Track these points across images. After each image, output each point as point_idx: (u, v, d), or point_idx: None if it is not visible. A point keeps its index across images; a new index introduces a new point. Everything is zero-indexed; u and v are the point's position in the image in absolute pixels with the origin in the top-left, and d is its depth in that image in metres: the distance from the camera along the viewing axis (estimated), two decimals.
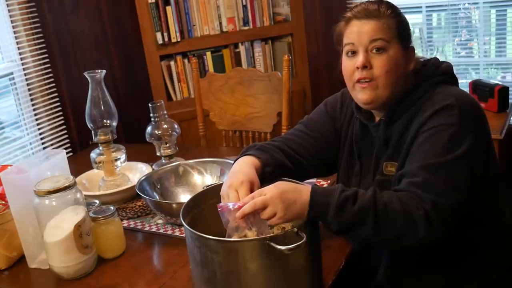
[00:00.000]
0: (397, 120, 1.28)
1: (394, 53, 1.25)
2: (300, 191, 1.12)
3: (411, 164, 1.18)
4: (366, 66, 1.25)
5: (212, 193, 1.32)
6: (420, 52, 2.97)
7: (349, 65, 1.28)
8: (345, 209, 1.10)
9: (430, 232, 1.10)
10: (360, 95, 1.28)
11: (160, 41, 2.92)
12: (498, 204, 1.31)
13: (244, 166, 1.26)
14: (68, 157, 1.64)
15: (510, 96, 2.79)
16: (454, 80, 1.32)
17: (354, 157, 1.41)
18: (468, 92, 1.35)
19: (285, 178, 1.25)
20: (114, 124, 1.80)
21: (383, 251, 1.35)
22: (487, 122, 1.26)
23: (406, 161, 1.21)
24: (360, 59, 1.25)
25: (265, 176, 1.27)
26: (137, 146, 2.25)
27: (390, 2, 1.30)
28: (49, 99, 2.70)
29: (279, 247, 1.03)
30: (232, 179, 1.20)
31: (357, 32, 1.26)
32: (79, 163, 2.07)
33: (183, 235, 1.48)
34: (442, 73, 1.30)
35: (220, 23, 3.05)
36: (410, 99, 1.27)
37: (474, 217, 1.24)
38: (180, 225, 1.53)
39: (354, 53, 1.28)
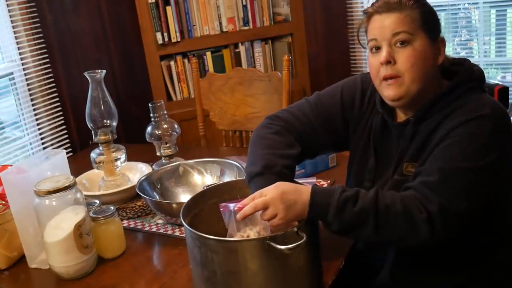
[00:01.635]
0: (425, 121, 1.24)
1: (420, 46, 1.20)
2: (300, 192, 1.12)
3: (430, 163, 1.16)
4: (390, 61, 1.20)
5: (212, 193, 1.32)
6: None
7: (374, 62, 1.24)
8: (345, 209, 1.10)
9: (432, 236, 1.09)
10: (387, 92, 1.23)
11: (160, 41, 2.92)
12: (507, 209, 1.29)
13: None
14: (68, 157, 1.64)
15: (510, 96, 2.79)
16: (485, 87, 1.28)
17: (369, 152, 1.36)
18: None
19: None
20: (114, 124, 1.80)
21: (388, 250, 1.34)
22: None
23: (427, 160, 1.18)
24: (383, 54, 1.20)
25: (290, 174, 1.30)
26: (137, 146, 2.25)
27: None
28: (49, 99, 2.71)
29: (279, 246, 1.04)
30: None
31: (379, 27, 1.22)
32: (79, 163, 2.07)
33: (183, 235, 1.48)
34: (477, 78, 1.25)
35: (220, 23, 3.05)
36: (444, 101, 1.22)
37: (482, 221, 1.22)
38: (180, 225, 1.53)
39: (378, 48, 1.23)
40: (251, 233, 1.15)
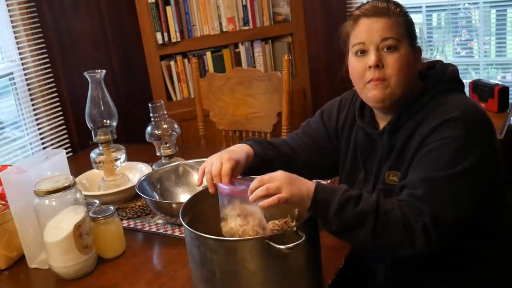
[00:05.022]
0: (401, 128, 1.25)
1: (404, 52, 1.22)
2: (306, 183, 1.13)
3: (413, 175, 1.17)
4: (379, 65, 1.22)
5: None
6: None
7: (359, 65, 1.24)
8: (346, 208, 1.10)
9: (427, 245, 1.10)
10: (372, 93, 1.24)
11: (160, 41, 2.92)
12: (503, 213, 1.29)
13: (237, 149, 1.35)
14: (68, 157, 1.64)
15: (510, 96, 2.79)
16: (460, 86, 1.29)
17: (358, 165, 1.38)
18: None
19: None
20: (114, 124, 1.80)
21: (385, 253, 1.34)
22: (495, 133, 1.23)
23: (409, 172, 1.20)
24: (372, 58, 1.21)
25: (253, 165, 1.34)
26: (137, 146, 2.25)
27: (397, 1, 1.27)
28: (49, 99, 2.71)
29: (278, 246, 1.04)
30: (222, 153, 1.27)
31: (367, 30, 1.23)
32: (79, 163, 2.07)
33: (183, 235, 1.48)
34: (448, 79, 1.26)
35: (220, 23, 3.05)
36: (415, 107, 1.24)
37: (478, 225, 1.22)
38: (180, 225, 1.53)
39: (363, 52, 1.24)
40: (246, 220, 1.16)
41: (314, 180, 1.16)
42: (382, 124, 1.32)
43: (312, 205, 1.11)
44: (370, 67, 1.22)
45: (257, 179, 1.13)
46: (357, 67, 1.25)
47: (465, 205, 1.12)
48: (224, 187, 1.19)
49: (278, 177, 1.12)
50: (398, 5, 1.26)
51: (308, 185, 1.13)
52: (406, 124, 1.24)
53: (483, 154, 1.15)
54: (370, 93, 1.25)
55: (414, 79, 1.27)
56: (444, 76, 1.27)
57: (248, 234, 1.14)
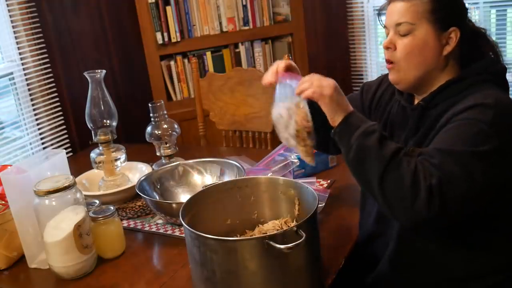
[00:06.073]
0: (434, 107, 1.27)
1: (421, 34, 1.23)
2: (347, 102, 1.21)
3: (431, 146, 1.17)
4: (390, 47, 1.26)
5: (212, 193, 1.32)
6: None
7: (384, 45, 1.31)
8: (370, 137, 1.14)
9: (428, 207, 1.07)
10: (390, 76, 1.31)
11: (160, 41, 2.92)
12: (508, 206, 1.27)
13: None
14: (68, 157, 1.64)
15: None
16: (504, 84, 1.29)
17: None
18: None
19: None
20: (114, 124, 1.80)
21: (389, 241, 1.33)
22: None
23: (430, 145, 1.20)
24: (386, 40, 1.28)
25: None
26: (137, 146, 2.25)
27: None
28: (49, 99, 2.71)
29: (278, 245, 1.04)
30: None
31: (389, 14, 1.28)
32: (79, 163, 2.07)
33: (183, 235, 1.47)
34: (494, 73, 1.26)
35: (220, 23, 3.05)
36: (453, 89, 1.25)
37: (483, 217, 1.22)
38: (180, 225, 1.53)
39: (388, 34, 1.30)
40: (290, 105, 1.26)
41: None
42: (417, 100, 1.34)
43: (342, 121, 1.18)
44: (383, 47, 1.28)
45: (309, 75, 1.23)
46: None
47: (478, 185, 1.11)
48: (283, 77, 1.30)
49: (326, 81, 1.20)
50: None
51: (347, 104, 1.20)
52: (440, 104, 1.26)
53: (504, 145, 1.14)
54: (389, 76, 1.32)
55: (441, 62, 1.26)
56: (490, 68, 1.26)
57: (295, 123, 1.23)
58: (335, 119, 1.19)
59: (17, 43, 2.57)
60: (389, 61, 1.28)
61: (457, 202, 1.10)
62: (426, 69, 1.26)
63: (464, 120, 1.16)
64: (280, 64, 1.32)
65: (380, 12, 1.36)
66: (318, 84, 1.19)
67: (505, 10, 3.25)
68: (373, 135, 1.14)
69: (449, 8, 1.25)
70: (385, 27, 1.31)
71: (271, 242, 1.04)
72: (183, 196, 1.70)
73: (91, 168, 1.85)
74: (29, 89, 2.63)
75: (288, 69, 1.32)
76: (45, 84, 2.68)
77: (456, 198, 1.09)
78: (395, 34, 1.26)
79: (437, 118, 1.24)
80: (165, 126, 1.88)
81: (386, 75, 1.45)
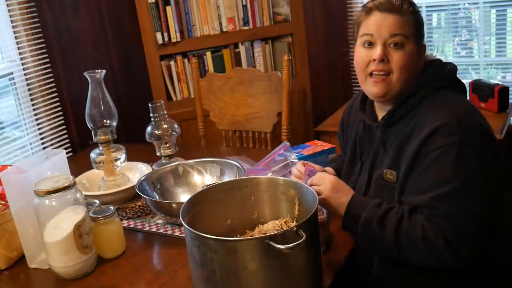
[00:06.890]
0: (395, 124, 1.29)
1: (410, 50, 1.26)
2: (346, 194, 1.27)
3: (422, 193, 1.19)
4: (384, 59, 1.25)
5: (212, 193, 1.32)
6: None
7: (365, 56, 1.28)
8: (370, 225, 1.21)
9: (456, 260, 1.15)
10: (373, 89, 1.29)
11: (160, 41, 2.92)
12: (503, 214, 1.28)
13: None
14: (68, 157, 1.64)
15: (510, 96, 2.79)
16: (456, 85, 1.31)
17: (356, 157, 1.43)
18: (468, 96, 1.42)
19: None
20: (114, 124, 1.80)
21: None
22: (490, 129, 1.24)
23: (411, 182, 1.23)
24: (378, 52, 1.25)
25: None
26: (137, 146, 2.25)
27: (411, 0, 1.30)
28: (49, 99, 2.71)
29: (278, 246, 1.03)
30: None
31: (378, 24, 1.26)
32: (79, 163, 2.07)
33: (183, 235, 1.47)
34: (444, 78, 1.29)
35: (220, 23, 3.05)
36: (408, 103, 1.28)
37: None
38: (180, 225, 1.53)
39: (371, 44, 1.27)
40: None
41: (351, 193, 1.28)
42: (381, 116, 1.35)
43: (344, 217, 1.26)
44: (374, 60, 1.26)
45: (315, 176, 1.31)
46: (362, 57, 1.29)
47: (483, 211, 1.15)
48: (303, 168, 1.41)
49: (325, 181, 1.28)
50: (411, 4, 1.28)
51: (346, 197, 1.26)
52: (400, 121, 1.28)
53: (483, 151, 1.17)
54: (371, 89, 1.30)
55: (415, 76, 1.29)
56: (441, 73, 1.30)
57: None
58: (338, 213, 1.28)
59: (17, 43, 2.57)
60: (381, 72, 1.26)
61: (477, 237, 1.15)
62: (412, 81, 1.28)
63: (437, 150, 1.17)
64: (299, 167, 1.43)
65: (358, 24, 1.33)
66: (318, 189, 1.27)
67: (505, 10, 3.26)
68: (372, 222, 1.21)
69: (423, 27, 1.31)
70: (362, 35, 1.29)
71: (271, 242, 1.04)
72: (183, 196, 1.70)
73: (91, 168, 1.85)
74: (29, 89, 2.63)
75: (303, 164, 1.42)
76: (45, 84, 2.68)
77: (475, 235, 1.15)
78: (384, 46, 1.25)
79: (404, 141, 1.26)
80: (165, 126, 1.88)
81: (352, 99, 1.53)
